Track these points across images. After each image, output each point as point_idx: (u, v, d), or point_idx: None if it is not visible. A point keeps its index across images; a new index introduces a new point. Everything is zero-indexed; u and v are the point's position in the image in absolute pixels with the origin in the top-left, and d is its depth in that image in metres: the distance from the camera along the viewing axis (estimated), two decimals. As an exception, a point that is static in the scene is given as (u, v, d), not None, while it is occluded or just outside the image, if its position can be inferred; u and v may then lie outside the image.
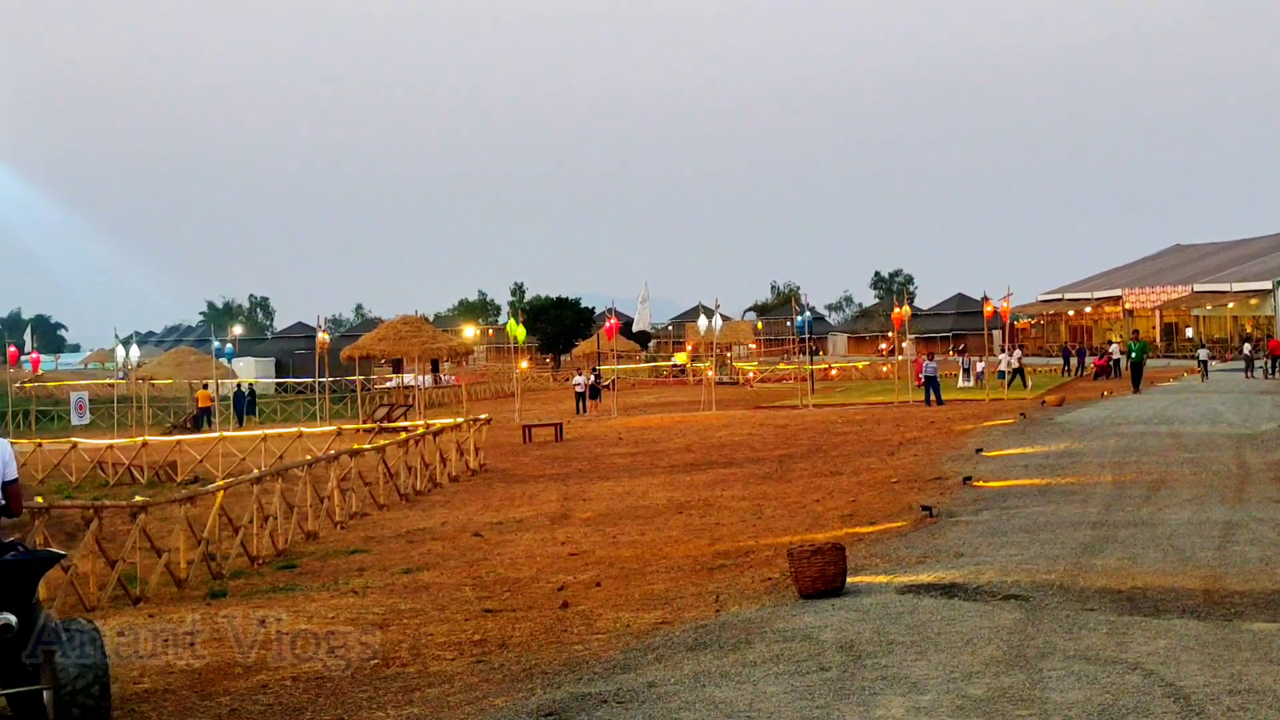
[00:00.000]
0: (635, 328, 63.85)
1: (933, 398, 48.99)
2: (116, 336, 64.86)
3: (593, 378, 59.94)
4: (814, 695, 8.18)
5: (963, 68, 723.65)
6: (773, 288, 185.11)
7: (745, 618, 10.98)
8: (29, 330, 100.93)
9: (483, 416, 37.98)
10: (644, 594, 13.75)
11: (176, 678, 10.38)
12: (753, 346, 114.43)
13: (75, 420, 58.61)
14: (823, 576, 11.61)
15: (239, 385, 66.26)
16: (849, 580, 12.01)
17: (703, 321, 60.84)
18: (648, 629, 11.22)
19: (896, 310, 57.43)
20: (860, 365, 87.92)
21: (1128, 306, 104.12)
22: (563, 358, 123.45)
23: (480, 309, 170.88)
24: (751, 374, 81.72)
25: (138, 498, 22.45)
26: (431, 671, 10.21)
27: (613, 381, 63.83)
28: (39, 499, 21.56)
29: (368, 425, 43.70)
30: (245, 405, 62.06)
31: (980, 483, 21.32)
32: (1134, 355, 50.51)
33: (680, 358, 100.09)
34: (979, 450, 27.21)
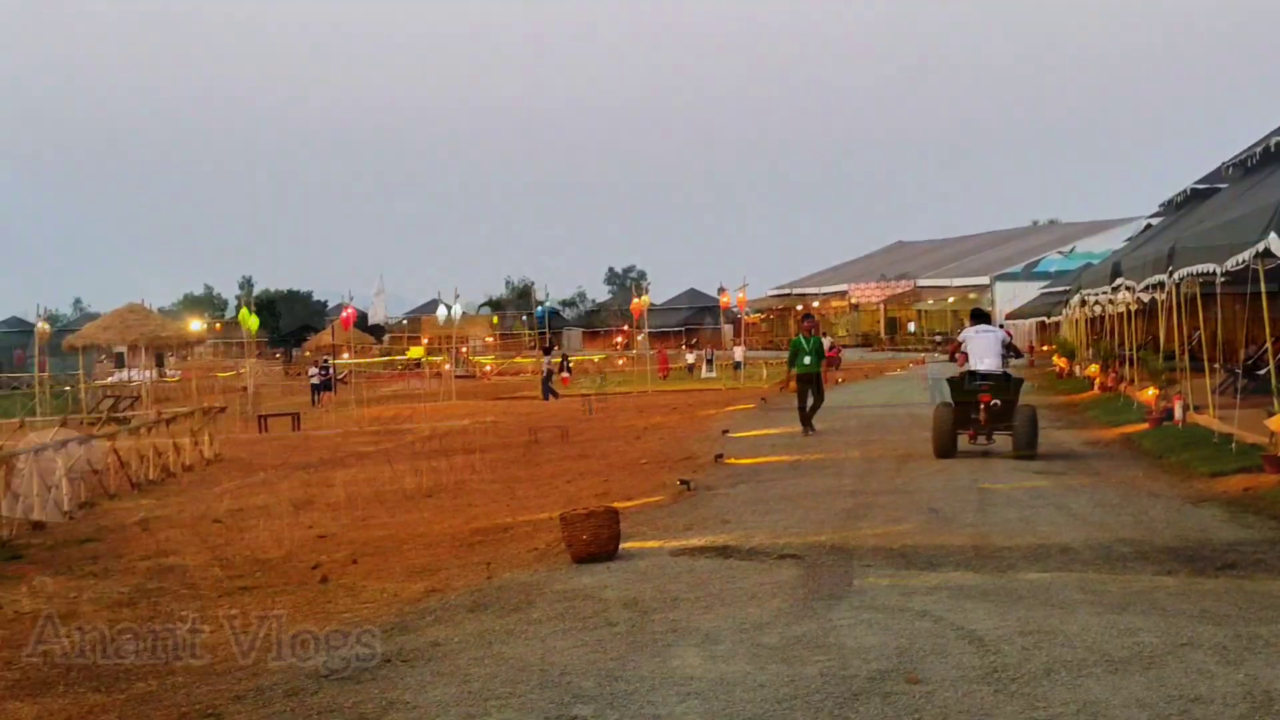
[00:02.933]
0: (370, 321, 62.78)
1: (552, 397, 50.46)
2: None
3: (327, 370, 58.79)
4: (606, 648, 7.97)
5: (685, 82, 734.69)
6: (507, 283, 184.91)
7: (520, 581, 10.70)
8: None
9: (217, 405, 36.80)
10: (406, 567, 13.35)
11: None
12: (489, 340, 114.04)
13: None
14: (596, 540, 11.42)
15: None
16: (620, 547, 11.84)
17: (442, 311, 60.36)
18: (418, 596, 10.84)
19: (636, 301, 57.99)
20: (596, 359, 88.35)
21: (854, 301, 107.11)
22: (294, 352, 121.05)
23: (207, 303, 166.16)
24: (489, 367, 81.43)
25: None
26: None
27: (348, 374, 62.76)
28: None
29: (94, 416, 41.94)
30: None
31: (732, 460, 21.45)
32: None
33: (416, 351, 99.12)
34: (725, 431, 27.46)
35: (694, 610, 9.03)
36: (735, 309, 61.03)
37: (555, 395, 50.50)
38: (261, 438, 39.15)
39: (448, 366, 60.95)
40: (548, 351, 58.02)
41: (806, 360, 25.87)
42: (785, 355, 33.12)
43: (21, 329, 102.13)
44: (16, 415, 44.78)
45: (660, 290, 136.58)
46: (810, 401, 25.92)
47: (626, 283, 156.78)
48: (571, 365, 53.96)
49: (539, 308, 71.13)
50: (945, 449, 19.72)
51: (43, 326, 54.64)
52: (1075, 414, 29.69)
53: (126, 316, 55.05)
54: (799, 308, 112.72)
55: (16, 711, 7.72)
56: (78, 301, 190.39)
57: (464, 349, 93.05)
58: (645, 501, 16.97)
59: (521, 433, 34.28)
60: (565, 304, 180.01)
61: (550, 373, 53.17)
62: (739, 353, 63.18)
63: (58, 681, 8.55)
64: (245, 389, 59.36)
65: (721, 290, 68.68)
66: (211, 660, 8.89)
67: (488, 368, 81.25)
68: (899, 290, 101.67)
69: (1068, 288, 49.97)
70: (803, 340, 26.23)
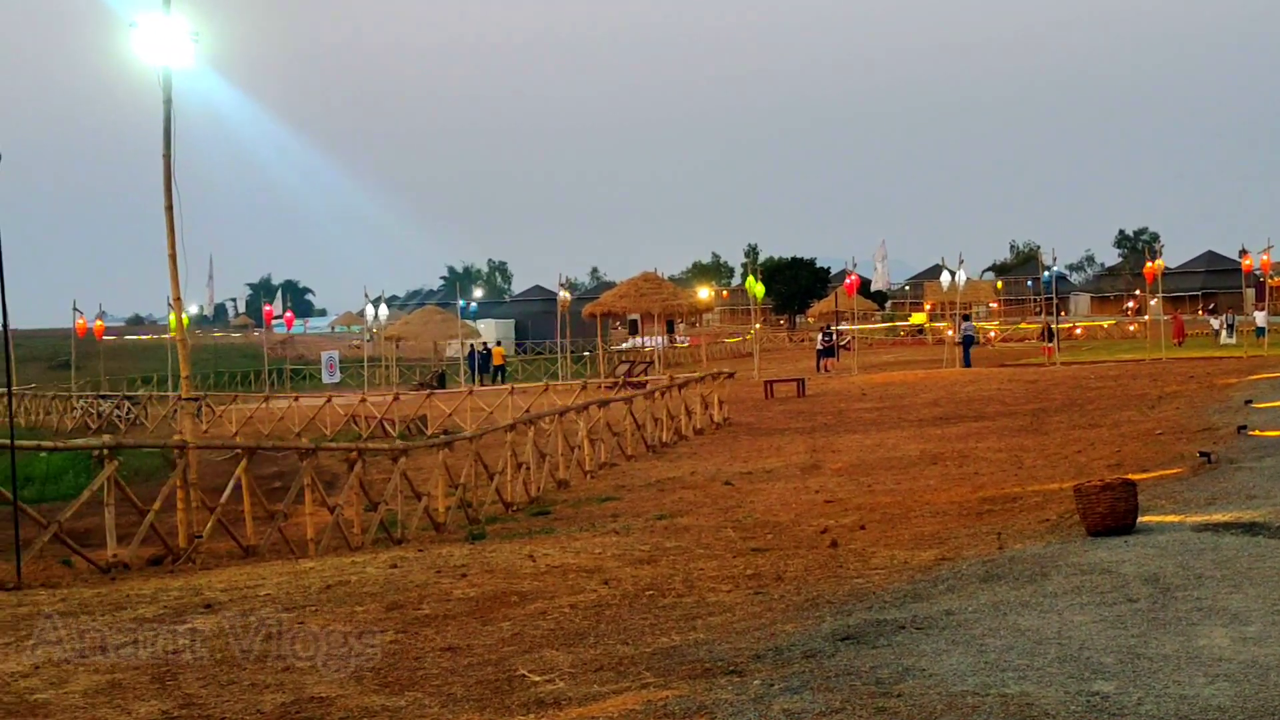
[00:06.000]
0: (873, 287, 62.72)
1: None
2: (366, 296, 66.42)
3: (831, 337, 59.36)
4: (1126, 625, 7.73)
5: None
6: (1012, 247, 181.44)
7: (1033, 553, 10.51)
8: (280, 294, 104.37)
9: (725, 371, 37.81)
10: (914, 535, 13.36)
11: (455, 604, 10.38)
12: (993, 306, 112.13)
13: (326, 379, 60.30)
14: (1113, 513, 11.08)
15: (472, 346, 67.35)
16: (1138, 520, 11.44)
17: (945, 278, 59.68)
18: (929, 564, 10.84)
19: (1149, 264, 55.69)
20: (1106, 325, 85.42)
21: None
22: (798, 318, 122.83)
23: (714, 271, 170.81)
24: (993, 333, 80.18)
25: (398, 442, 22.87)
26: (709, 602, 10.00)
27: (850, 340, 63.17)
28: (305, 441, 22.09)
29: (610, 381, 43.93)
30: (480, 364, 63.05)
31: (1258, 432, 20.27)
32: None
33: (918, 318, 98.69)
34: (1248, 402, 25.96)
35: (1220, 589, 8.62)
36: (1259, 272, 57.62)
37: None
38: (768, 402, 39.98)
39: (950, 333, 60.35)
40: (966, 318, 57.95)
41: None
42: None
43: (544, 297, 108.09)
44: (541, 379, 47.52)
45: (1174, 253, 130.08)
46: None
47: (1138, 245, 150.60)
48: (1059, 332, 52.98)
49: (1045, 273, 69.15)
50: None
51: (564, 295, 57.58)
52: None
53: (641, 285, 57.36)
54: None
55: (553, 659, 8.21)
56: (594, 270, 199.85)
57: (967, 313, 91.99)
58: (1162, 474, 16.29)
59: (1028, 400, 33.60)
60: (1072, 268, 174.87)
61: (969, 339, 52.87)
62: (1261, 318, 60.13)
63: (588, 633, 9.05)
64: (751, 355, 60.74)
65: (1243, 252, 64.88)
66: (729, 619, 9.19)
67: (991, 334, 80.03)
68: None
69: None
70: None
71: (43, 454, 25.18)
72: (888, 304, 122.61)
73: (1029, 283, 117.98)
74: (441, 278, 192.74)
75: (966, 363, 50.64)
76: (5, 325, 14.25)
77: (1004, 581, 9.34)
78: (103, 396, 53.71)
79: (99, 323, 67.39)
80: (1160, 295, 72.33)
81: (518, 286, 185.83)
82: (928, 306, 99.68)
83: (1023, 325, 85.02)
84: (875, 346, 79.91)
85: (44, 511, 15.44)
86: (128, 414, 49.89)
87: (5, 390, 29.28)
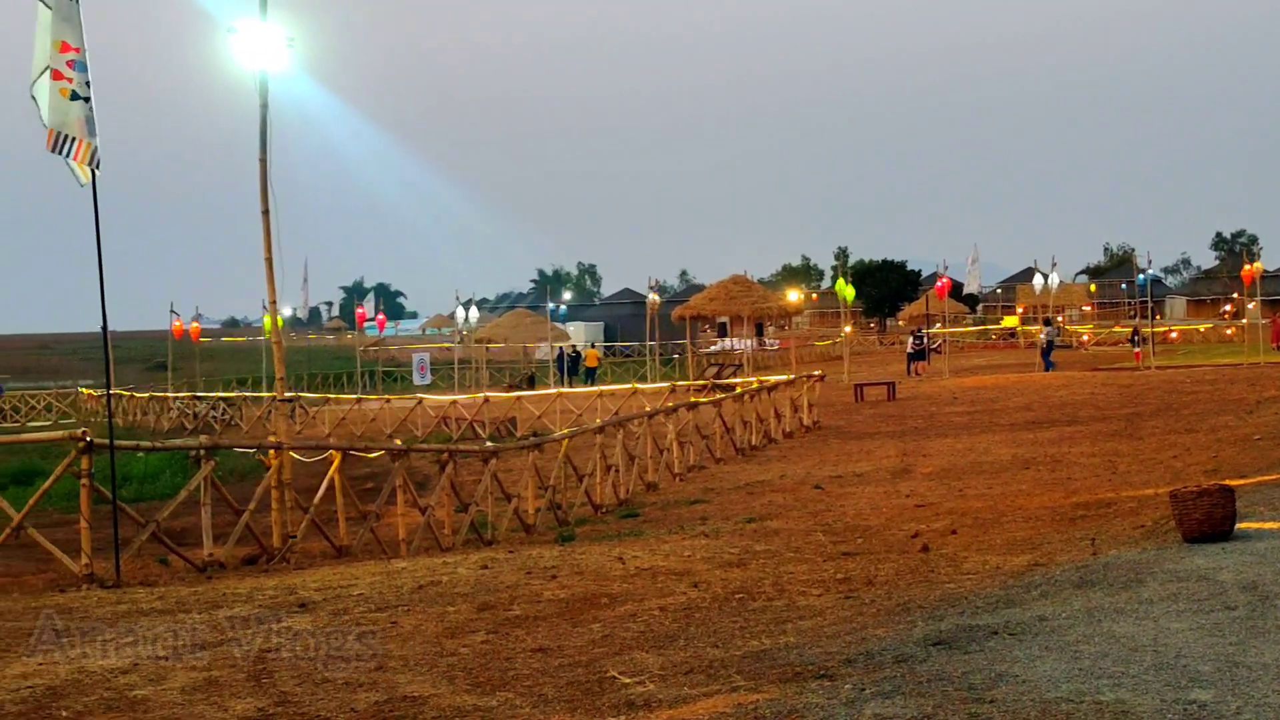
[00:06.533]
0: (965, 290, 62.41)
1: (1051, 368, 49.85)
2: (457, 299, 66.98)
3: (922, 340, 58.99)
4: (1224, 633, 7.60)
5: None
6: (1105, 250, 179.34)
7: (1128, 559, 10.37)
8: (371, 297, 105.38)
9: (815, 374, 37.69)
10: (1006, 540, 13.24)
11: (545, 606, 10.44)
12: (1086, 309, 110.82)
13: (417, 380, 60.75)
14: (1209, 520, 10.91)
15: (562, 348, 67.63)
16: (1235, 527, 11.25)
17: (1038, 280, 59.25)
18: (1021, 570, 10.74)
19: (1247, 267, 54.87)
20: (1202, 328, 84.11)
21: None
22: (888, 321, 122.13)
23: (804, 273, 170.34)
24: (1086, 336, 79.28)
25: (488, 444, 23.04)
26: (799, 605, 9.98)
27: (941, 343, 62.76)
28: (398, 441, 22.31)
29: (699, 384, 43.91)
30: (569, 367, 63.24)
31: (1361, 438, 19.90)
32: None
33: (1010, 321, 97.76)
34: (1352, 407, 25.52)
35: (1324, 600, 8.47)
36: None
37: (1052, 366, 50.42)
38: (858, 406, 39.81)
39: (1041, 336, 59.77)
40: (1048, 323, 57.54)
41: None
42: None
43: (633, 300, 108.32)
44: (630, 382, 47.59)
45: (1273, 255, 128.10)
46: None
47: (1235, 248, 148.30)
48: (1150, 337, 52.49)
49: (1140, 276, 68.30)
50: None
51: (653, 298, 57.65)
52: None
53: (730, 288, 57.22)
54: None
55: (643, 661, 8.23)
56: (684, 273, 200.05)
57: (1060, 318, 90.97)
58: (1260, 480, 16.02)
59: (1122, 405, 33.19)
60: (1168, 271, 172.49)
61: (1050, 344, 52.61)
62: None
63: (678, 635, 9.06)
64: (841, 358, 60.46)
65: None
66: (820, 623, 9.17)
67: (1084, 337, 79.15)
68: None
69: None
70: None
71: (140, 454, 25.58)
72: (979, 307, 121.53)
73: (1123, 286, 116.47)
74: (531, 281, 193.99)
75: (1047, 367, 50.10)
76: (105, 328, 14.53)
77: (1098, 588, 9.23)
78: (198, 397, 54.52)
79: (195, 325, 68.47)
80: (1259, 298, 71.18)
81: (607, 289, 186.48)
82: (1020, 310, 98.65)
83: (1116, 329, 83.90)
84: (966, 350, 79.22)
85: (142, 510, 15.71)
86: (223, 415, 50.59)
87: (105, 391, 29.81)
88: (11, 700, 7.64)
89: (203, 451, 15.47)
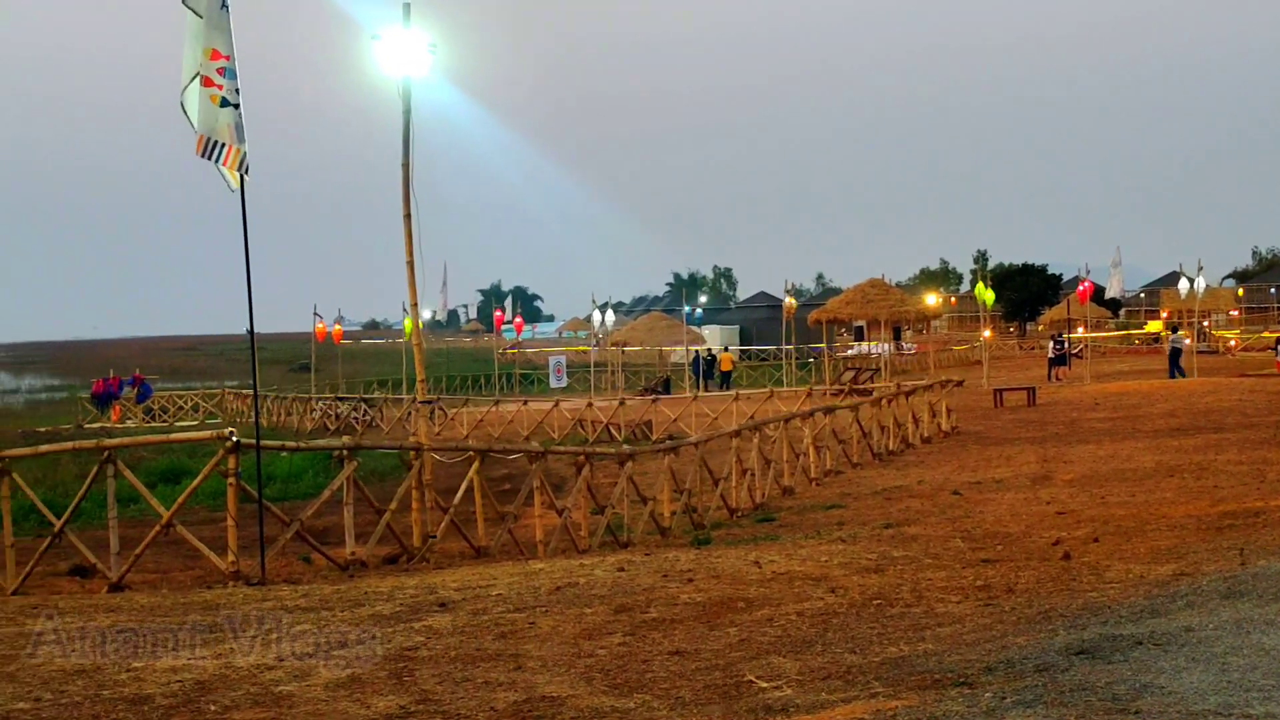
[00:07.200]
0: (1107, 295, 61.36)
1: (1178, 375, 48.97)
2: (594, 302, 67.31)
3: (1063, 344, 58.11)
4: (1380, 647, 7.40)
5: None
6: (1254, 253, 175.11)
7: (1278, 570, 10.14)
8: (509, 300, 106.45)
9: (954, 379, 37.32)
10: (1150, 549, 12.99)
11: (682, 609, 10.45)
12: (1233, 314, 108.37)
13: (554, 383, 61.22)
14: (1364, 531, 10.64)
15: (697, 352, 67.68)
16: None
17: (1183, 284, 57.96)
18: (1166, 579, 10.54)
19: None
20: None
21: None
22: (1029, 325, 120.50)
23: (942, 277, 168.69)
24: (1233, 342, 77.57)
25: (624, 447, 23.13)
26: (938, 612, 9.89)
27: (1082, 348, 61.77)
28: (535, 444, 22.50)
29: (836, 388, 43.72)
30: (705, 370, 63.22)
31: None
32: None
33: (1154, 325, 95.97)
34: None
35: None
36: None
37: (1183, 374, 49.32)
38: (997, 411, 39.33)
39: (1188, 341, 58.55)
40: (1175, 329, 56.25)
41: None
42: None
43: (769, 303, 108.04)
44: (766, 386, 47.50)
45: None
46: None
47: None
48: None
49: (1289, 279, 66.77)
50: None
51: (789, 301, 57.47)
52: None
53: (867, 291, 56.91)
54: None
55: (780, 666, 8.20)
56: (820, 277, 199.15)
57: (1206, 323, 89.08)
58: None
59: (1270, 412, 32.39)
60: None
61: (1179, 350, 51.42)
62: None
63: (816, 641, 9.02)
64: (980, 362, 59.77)
65: None
66: (959, 630, 9.07)
67: (1232, 343, 77.44)
68: None
69: None
70: None
71: (285, 454, 26.12)
72: (1121, 311, 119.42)
73: (1272, 290, 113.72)
74: (667, 284, 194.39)
75: (1172, 374, 49.12)
76: (251, 330, 14.83)
77: (1247, 599, 9.03)
78: (340, 399, 55.44)
79: (338, 327, 69.56)
80: None
81: (743, 293, 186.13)
82: (1164, 314, 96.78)
83: (1265, 334, 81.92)
84: (1109, 355, 77.90)
85: (286, 510, 16.02)
86: (364, 416, 51.39)
87: (251, 392, 30.42)
88: (162, 694, 7.83)
89: (345, 452, 15.73)
